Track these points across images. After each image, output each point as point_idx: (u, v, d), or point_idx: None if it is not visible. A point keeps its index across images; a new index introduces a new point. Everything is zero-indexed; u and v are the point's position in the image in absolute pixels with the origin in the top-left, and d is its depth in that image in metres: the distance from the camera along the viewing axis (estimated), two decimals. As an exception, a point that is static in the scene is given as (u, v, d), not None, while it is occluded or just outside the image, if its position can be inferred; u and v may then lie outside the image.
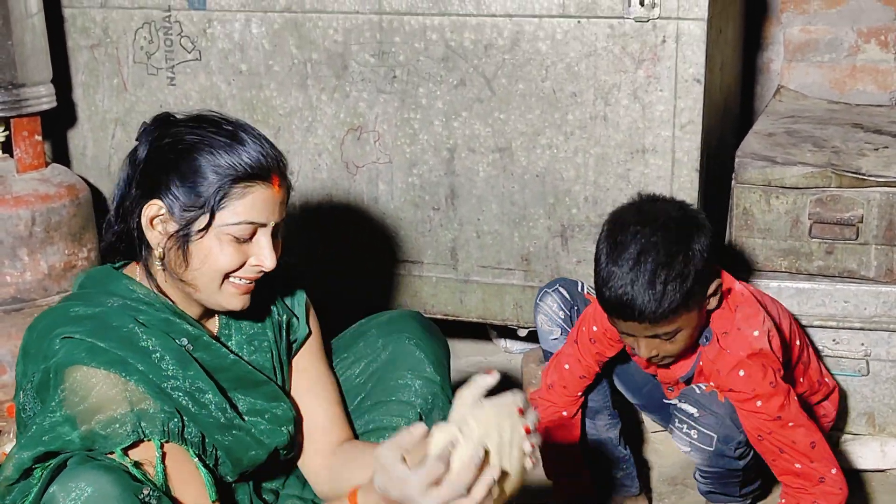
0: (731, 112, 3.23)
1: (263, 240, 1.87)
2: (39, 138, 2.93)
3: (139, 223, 1.87)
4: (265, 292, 2.00)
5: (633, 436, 2.66)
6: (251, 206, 1.84)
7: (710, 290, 2.21)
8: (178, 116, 1.92)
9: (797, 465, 2.23)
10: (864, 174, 2.56)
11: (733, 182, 2.67)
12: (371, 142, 2.92)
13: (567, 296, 2.54)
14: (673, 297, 2.12)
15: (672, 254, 2.13)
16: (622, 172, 2.74)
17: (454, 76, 2.80)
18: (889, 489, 2.69)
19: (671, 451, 2.88)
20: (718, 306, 2.26)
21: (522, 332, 3.02)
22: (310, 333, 2.12)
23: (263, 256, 1.87)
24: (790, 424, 2.21)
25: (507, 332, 3.37)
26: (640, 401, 2.60)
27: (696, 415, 2.28)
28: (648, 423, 2.93)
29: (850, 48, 3.43)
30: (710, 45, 2.66)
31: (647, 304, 2.11)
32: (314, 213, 3.01)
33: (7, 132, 2.93)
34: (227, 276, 1.87)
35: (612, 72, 2.68)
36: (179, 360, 1.85)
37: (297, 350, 2.11)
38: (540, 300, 2.56)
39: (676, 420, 2.32)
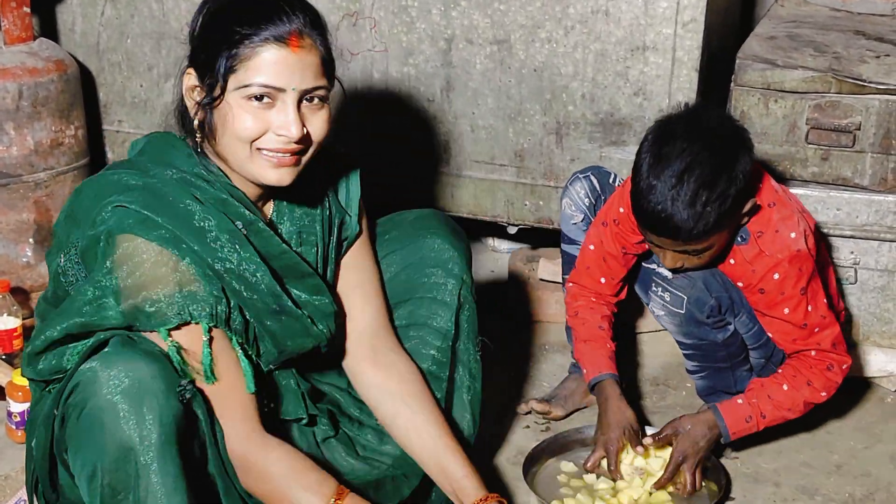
0: (732, 14, 3.18)
1: (285, 106, 1.76)
2: (28, 10, 2.85)
3: (181, 93, 1.82)
4: (319, 183, 1.92)
5: (622, 333, 2.67)
6: (260, 67, 1.74)
7: (745, 209, 2.19)
8: None
9: (812, 352, 2.28)
10: (864, 80, 2.53)
11: (732, 84, 2.64)
12: (367, 29, 2.86)
13: (596, 185, 2.52)
14: (710, 219, 2.10)
15: (716, 174, 2.10)
16: (621, 70, 2.70)
17: (454, -37, 2.74)
18: (868, 396, 2.72)
19: (657, 352, 2.90)
20: (749, 221, 2.24)
21: (512, 230, 3.01)
22: (360, 232, 2.07)
23: (285, 124, 1.76)
24: (816, 330, 2.24)
25: (496, 231, 3.36)
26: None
27: (670, 277, 2.32)
28: (640, 323, 2.95)
29: (855, -44, 3.37)
30: (718, -58, 2.61)
31: (685, 223, 2.09)
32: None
33: (-6, 3, 2.86)
34: (253, 145, 1.78)
35: (616, -35, 2.63)
36: (234, 241, 1.80)
37: (348, 248, 2.06)
38: (570, 184, 2.54)
39: (653, 284, 2.36)
